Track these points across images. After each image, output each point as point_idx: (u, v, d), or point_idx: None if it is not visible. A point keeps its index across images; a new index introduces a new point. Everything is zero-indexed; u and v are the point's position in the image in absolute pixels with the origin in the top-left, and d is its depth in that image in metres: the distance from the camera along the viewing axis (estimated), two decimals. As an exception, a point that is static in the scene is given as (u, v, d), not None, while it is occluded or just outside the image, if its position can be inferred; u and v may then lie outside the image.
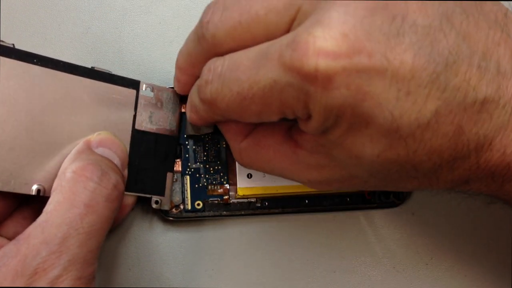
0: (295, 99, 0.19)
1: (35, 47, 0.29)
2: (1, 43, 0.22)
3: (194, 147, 0.28)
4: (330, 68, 0.18)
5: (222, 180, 0.28)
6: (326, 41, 0.18)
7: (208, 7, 0.21)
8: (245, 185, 0.28)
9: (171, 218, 0.28)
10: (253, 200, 0.28)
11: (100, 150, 0.24)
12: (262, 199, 0.28)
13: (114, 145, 0.25)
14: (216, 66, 0.21)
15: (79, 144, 0.24)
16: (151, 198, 0.26)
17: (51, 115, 0.23)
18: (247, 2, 0.20)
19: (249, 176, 0.28)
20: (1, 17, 0.29)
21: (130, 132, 0.26)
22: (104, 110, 0.25)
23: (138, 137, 0.26)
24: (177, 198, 0.28)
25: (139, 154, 0.26)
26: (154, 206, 0.27)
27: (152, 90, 0.26)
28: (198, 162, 0.28)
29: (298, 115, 0.20)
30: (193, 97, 0.24)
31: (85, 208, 0.21)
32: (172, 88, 0.28)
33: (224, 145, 0.28)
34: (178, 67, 0.24)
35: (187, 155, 0.28)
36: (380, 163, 0.20)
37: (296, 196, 0.28)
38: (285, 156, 0.23)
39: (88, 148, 0.24)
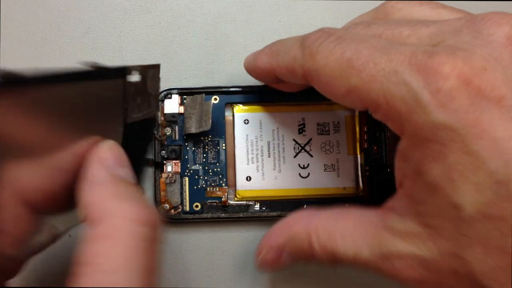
0: (401, 99, 0.18)
1: (36, 47, 0.29)
2: None
3: (193, 148, 0.28)
4: (459, 88, 0.17)
5: (221, 182, 0.28)
6: (465, 64, 0.17)
7: (358, 21, 0.23)
8: (245, 187, 0.28)
9: (169, 220, 0.28)
10: (251, 203, 0.28)
11: (120, 172, 0.21)
12: (260, 202, 0.28)
13: (125, 158, 0.21)
14: (338, 31, 0.21)
15: (94, 164, 0.20)
16: None
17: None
18: (397, 25, 0.21)
19: (248, 178, 0.28)
20: (1, 17, 0.29)
21: (122, 128, 0.23)
22: (93, 111, 0.22)
23: (128, 130, 0.23)
24: (175, 200, 0.28)
25: (128, 148, 0.23)
26: None
27: (139, 73, 0.23)
28: (197, 163, 0.28)
29: (385, 117, 0.20)
30: (288, 41, 0.23)
31: (151, 273, 0.18)
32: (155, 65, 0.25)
33: (224, 147, 0.28)
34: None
35: (186, 157, 0.28)
36: (479, 219, 0.18)
37: (295, 200, 0.28)
38: (368, 225, 0.21)
39: (111, 174, 0.20)
